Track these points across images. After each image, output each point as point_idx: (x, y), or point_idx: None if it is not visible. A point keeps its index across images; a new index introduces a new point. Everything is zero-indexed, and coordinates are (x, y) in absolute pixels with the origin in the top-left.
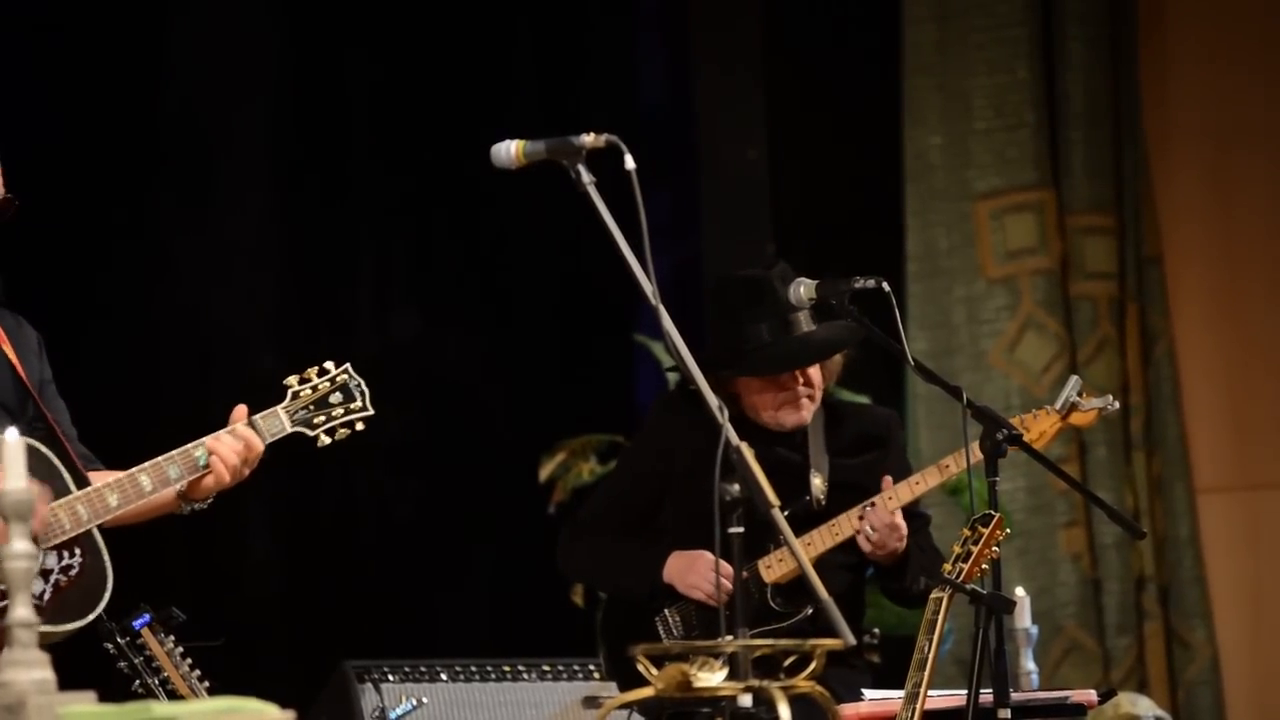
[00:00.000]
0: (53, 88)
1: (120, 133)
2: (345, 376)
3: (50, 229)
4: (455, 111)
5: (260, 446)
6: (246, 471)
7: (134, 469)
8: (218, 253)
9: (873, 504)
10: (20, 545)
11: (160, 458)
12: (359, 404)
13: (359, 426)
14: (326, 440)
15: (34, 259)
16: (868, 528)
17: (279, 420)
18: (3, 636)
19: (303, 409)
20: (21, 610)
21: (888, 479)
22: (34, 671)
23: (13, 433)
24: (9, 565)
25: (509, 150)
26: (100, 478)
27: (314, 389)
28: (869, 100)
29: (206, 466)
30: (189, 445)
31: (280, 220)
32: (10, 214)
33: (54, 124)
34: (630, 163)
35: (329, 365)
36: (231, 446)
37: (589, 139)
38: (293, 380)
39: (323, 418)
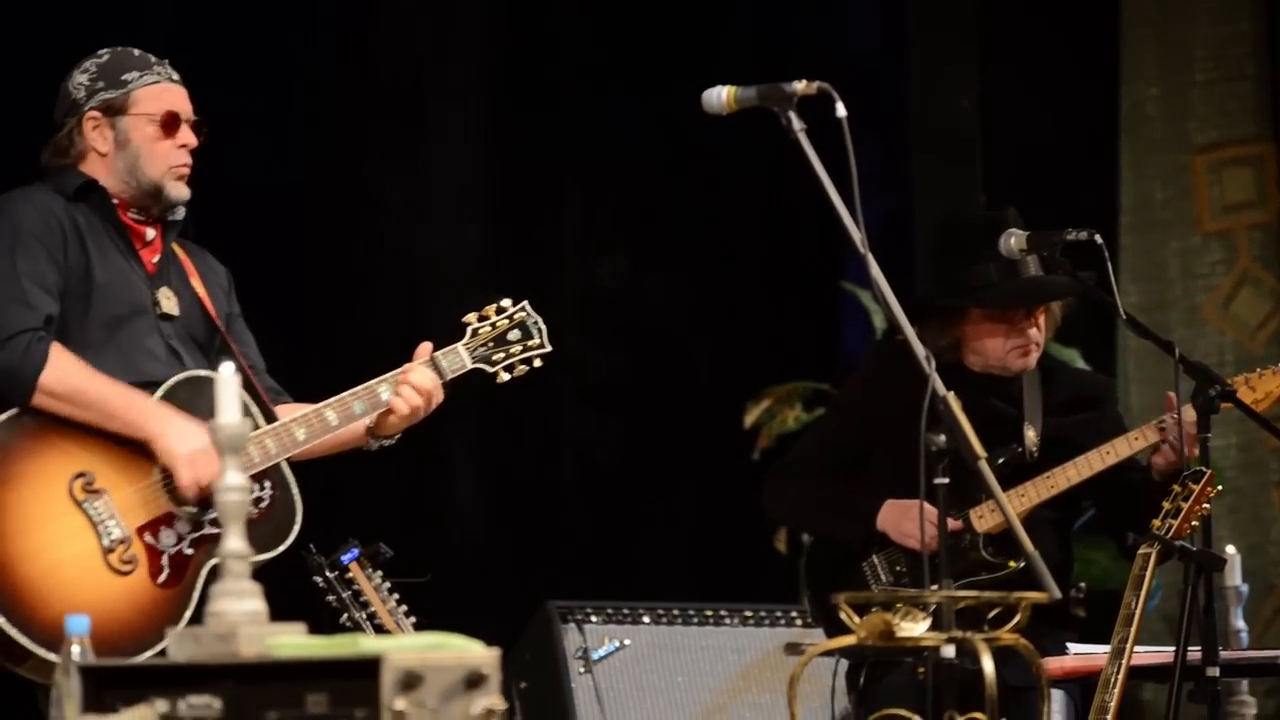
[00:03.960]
0: (260, 29)
1: (333, 75)
2: (523, 314)
3: (263, 169)
4: (667, 56)
5: (441, 392)
6: (430, 410)
7: (320, 404)
8: (427, 192)
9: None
10: (233, 478)
11: (346, 393)
12: (536, 341)
13: (537, 363)
14: (505, 376)
15: (247, 196)
16: (1171, 437)
17: (459, 357)
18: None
19: (482, 346)
20: (234, 541)
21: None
22: (246, 602)
23: (228, 367)
24: (222, 498)
25: (720, 96)
26: (288, 411)
27: (493, 326)
28: (1085, 50)
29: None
30: (373, 381)
31: (489, 162)
32: (203, 137)
33: (267, 64)
34: (841, 110)
35: (506, 303)
36: (417, 385)
37: (800, 86)
38: (472, 318)
39: (501, 354)
